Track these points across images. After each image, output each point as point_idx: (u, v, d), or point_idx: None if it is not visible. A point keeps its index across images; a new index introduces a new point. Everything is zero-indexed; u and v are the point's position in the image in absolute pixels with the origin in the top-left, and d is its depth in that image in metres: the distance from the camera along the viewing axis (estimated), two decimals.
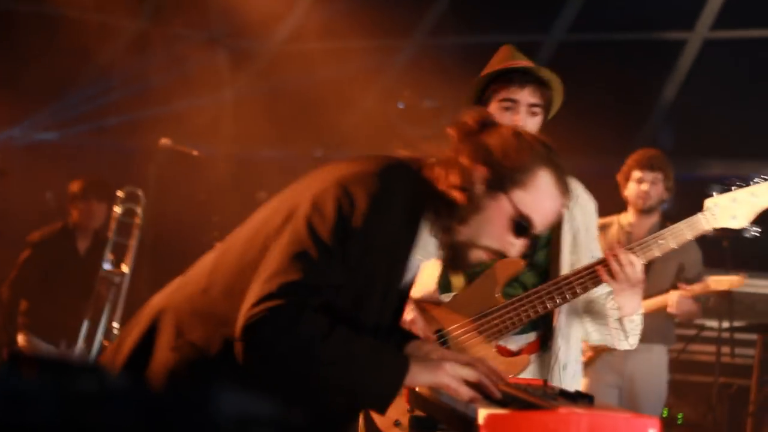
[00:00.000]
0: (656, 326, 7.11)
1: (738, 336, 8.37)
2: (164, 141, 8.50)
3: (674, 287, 7.16)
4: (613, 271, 4.15)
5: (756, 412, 7.45)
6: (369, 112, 11.50)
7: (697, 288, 7.09)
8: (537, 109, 4.32)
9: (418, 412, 3.61)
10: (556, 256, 4.44)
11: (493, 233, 3.17)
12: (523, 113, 4.28)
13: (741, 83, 11.78)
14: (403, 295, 3.37)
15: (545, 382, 3.50)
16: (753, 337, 8.11)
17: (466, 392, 3.14)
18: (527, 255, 4.33)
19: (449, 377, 3.14)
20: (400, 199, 3.08)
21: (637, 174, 7.27)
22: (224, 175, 10.14)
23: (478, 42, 12.67)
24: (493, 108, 4.27)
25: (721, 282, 7.02)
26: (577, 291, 4.23)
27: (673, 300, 7.10)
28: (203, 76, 10.95)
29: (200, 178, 9.61)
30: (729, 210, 4.24)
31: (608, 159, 11.56)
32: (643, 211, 7.22)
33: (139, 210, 8.93)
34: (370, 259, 3.04)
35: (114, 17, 11.86)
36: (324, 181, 3.09)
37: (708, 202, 4.24)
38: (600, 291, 4.37)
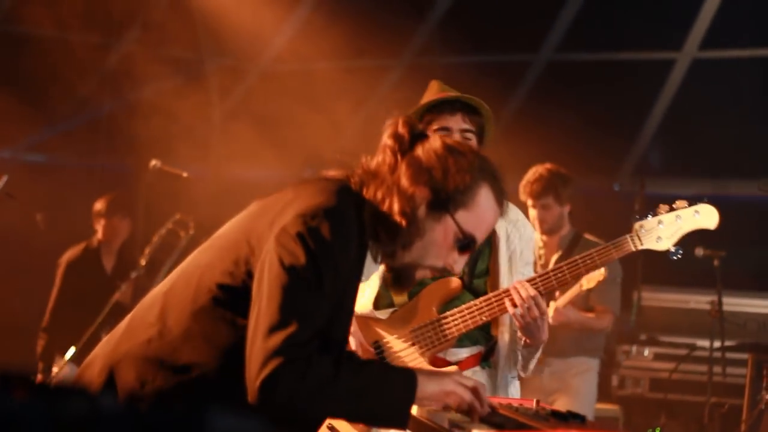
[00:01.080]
0: (573, 337, 7.10)
1: (729, 355, 8.36)
2: (154, 162, 8.48)
3: (586, 300, 6.95)
4: (517, 303, 4.35)
5: (748, 431, 7.44)
6: (358, 132, 11.50)
7: (568, 295, 6.77)
8: (469, 135, 4.50)
9: None
10: (495, 279, 4.61)
11: (437, 253, 3.21)
12: (457, 139, 4.45)
13: (729, 103, 11.80)
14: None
15: (537, 402, 3.49)
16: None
17: (472, 399, 3.20)
18: (465, 282, 4.57)
19: (456, 385, 3.18)
20: (355, 228, 3.10)
21: (529, 202, 7.24)
22: (213, 196, 10.13)
23: (467, 62, 12.69)
24: None
25: (589, 279, 6.44)
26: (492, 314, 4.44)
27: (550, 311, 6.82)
28: (192, 96, 10.94)
29: (189, 199, 9.59)
30: (655, 233, 4.49)
31: (598, 178, 11.60)
32: (547, 233, 7.25)
33: (183, 234, 8.79)
34: (338, 287, 3.07)
35: (102, 37, 11.85)
36: (281, 216, 3.09)
37: (636, 225, 4.48)
38: None
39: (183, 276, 3.24)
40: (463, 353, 4.56)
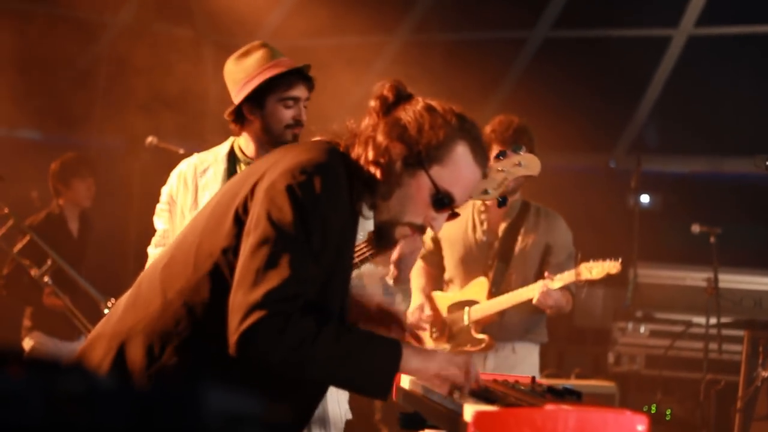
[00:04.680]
0: (522, 322, 6.50)
1: (725, 332, 8.36)
2: (150, 139, 8.43)
3: (541, 274, 6.30)
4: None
5: (744, 408, 7.45)
6: (354, 108, 11.48)
7: (564, 277, 6.19)
8: (307, 103, 4.79)
9: (407, 409, 3.60)
10: None
11: (415, 210, 3.20)
12: (301, 108, 4.73)
13: (725, 80, 11.80)
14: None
15: (533, 379, 3.49)
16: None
17: (458, 378, 3.18)
18: None
19: (443, 366, 3.18)
20: (345, 185, 3.11)
21: (497, 149, 6.35)
22: None
23: (462, 39, 12.67)
24: (273, 105, 4.69)
25: (593, 269, 6.12)
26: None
27: (536, 291, 6.17)
28: (188, 73, 10.91)
29: None
30: (481, 185, 4.17)
31: (594, 155, 11.60)
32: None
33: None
34: (329, 246, 3.06)
35: (97, 14, 11.82)
36: (270, 172, 3.09)
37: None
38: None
39: (182, 246, 3.23)
40: None
